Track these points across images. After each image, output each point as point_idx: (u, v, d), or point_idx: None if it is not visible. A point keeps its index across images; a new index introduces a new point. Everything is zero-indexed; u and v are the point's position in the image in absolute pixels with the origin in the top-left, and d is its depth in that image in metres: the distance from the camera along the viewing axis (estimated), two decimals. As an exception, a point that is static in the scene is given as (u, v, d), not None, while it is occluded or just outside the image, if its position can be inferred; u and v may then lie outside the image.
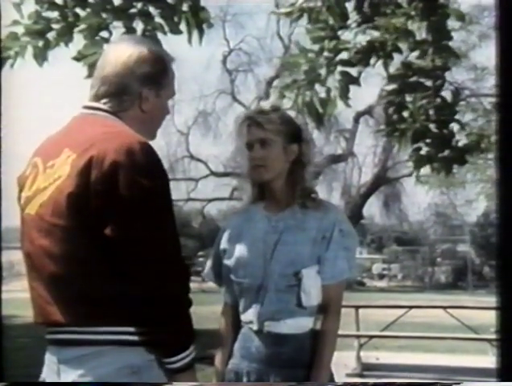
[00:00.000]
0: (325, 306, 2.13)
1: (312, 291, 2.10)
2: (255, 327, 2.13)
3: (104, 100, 1.80)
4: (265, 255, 2.14)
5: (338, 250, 2.13)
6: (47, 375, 1.73)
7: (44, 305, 1.70)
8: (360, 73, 4.37)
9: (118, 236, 1.61)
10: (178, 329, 1.67)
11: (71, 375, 1.65)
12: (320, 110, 4.29)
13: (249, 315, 2.15)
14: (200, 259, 30.35)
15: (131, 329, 1.64)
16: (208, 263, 2.33)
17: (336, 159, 25.56)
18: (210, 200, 27.10)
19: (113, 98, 1.80)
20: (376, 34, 4.29)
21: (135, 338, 1.65)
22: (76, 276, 1.65)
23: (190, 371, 1.70)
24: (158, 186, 1.67)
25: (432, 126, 4.69)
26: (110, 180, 1.61)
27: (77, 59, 3.75)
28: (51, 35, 3.83)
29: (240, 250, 2.19)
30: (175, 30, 3.84)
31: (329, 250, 2.12)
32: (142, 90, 1.82)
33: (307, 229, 2.14)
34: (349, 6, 4.32)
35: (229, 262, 2.21)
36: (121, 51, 1.85)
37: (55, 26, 3.83)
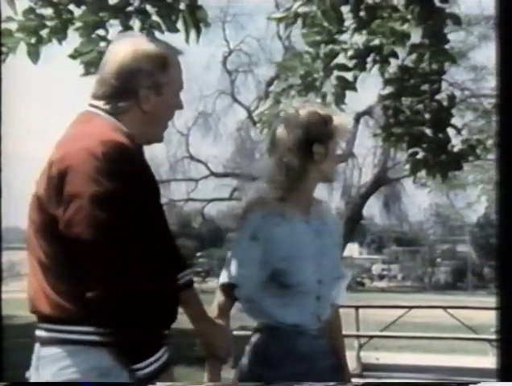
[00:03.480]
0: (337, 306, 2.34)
1: (343, 291, 2.30)
2: (308, 330, 2.17)
3: (103, 101, 1.79)
4: (316, 260, 2.17)
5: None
6: (31, 371, 1.75)
7: (31, 292, 1.74)
8: (356, 78, 4.37)
9: (70, 237, 1.61)
10: (139, 331, 1.61)
11: (46, 373, 1.68)
12: None
13: (296, 318, 2.15)
14: (200, 259, 30.33)
15: (101, 329, 1.62)
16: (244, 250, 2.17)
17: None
18: (210, 201, 27.07)
19: (111, 100, 1.78)
20: (372, 38, 4.28)
21: (104, 339, 1.62)
22: (49, 271, 1.68)
23: (163, 377, 1.64)
24: (113, 188, 1.62)
25: (428, 131, 4.70)
26: (64, 179, 1.63)
27: (73, 56, 3.74)
28: (45, 32, 3.81)
29: (292, 253, 2.15)
30: (173, 29, 3.83)
31: (340, 252, 2.33)
32: (140, 90, 1.78)
33: (333, 234, 2.26)
34: (345, 10, 4.32)
35: (280, 265, 2.13)
36: (117, 50, 1.82)
37: (49, 23, 3.81)
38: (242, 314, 2.24)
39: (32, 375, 1.73)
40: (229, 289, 2.15)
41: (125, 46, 1.82)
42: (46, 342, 1.69)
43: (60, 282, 1.66)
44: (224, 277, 2.15)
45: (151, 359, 1.61)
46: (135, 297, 1.60)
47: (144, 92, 1.79)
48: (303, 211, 2.20)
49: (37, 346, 1.73)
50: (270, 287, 2.14)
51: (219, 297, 2.17)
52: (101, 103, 1.79)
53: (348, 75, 4.34)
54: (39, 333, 1.72)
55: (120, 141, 1.69)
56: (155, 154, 21.56)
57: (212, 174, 25.90)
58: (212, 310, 2.14)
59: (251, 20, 56.52)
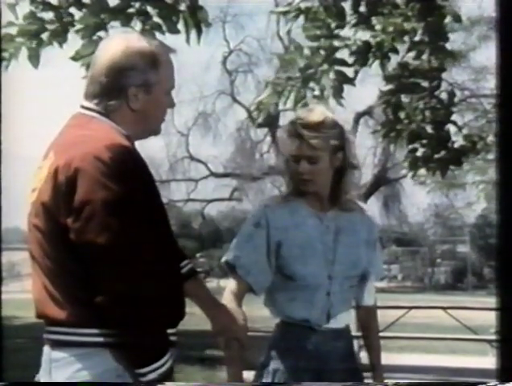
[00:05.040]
0: (373, 306, 2.36)
1: (373, 291, 2.31)
2: (316, 326, 2.16)
3: (95, 101, 1.78)
4: (325, 255, 2.16)
5: (379, 251, 2.34)
6: (41, 374, 1.74)
7: (37, 298, 1.73)
8: (356, 73, 4.37)
9: (82, 244, 1.61)
10: (143, 336, 1.62)
11: (59, 376, 1.66)
12: None
13: (304, 313, 2.16)
14: (200, 260, 30.30)
15: (113, 331, 1.62)
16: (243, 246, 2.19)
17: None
18: (210, 201, 27.04)
19: (101, 99, 1.77)
20: (373, 34, 4.29)
21: (116, 341, 1.62)
22: (57, 277, 1.67)
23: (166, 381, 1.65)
24: (122, 191, 1.63)
25: (428, 127, 4.70)
26: (72, 186, 1.62)
27: (75, 59, 3.74)
28: (45, 36, 3.81)
29: (297, 246, 2.16)
30: (173, 30, 3.82)
31: (376, 252, 2.30)
32: (129, 88, 1.76)
33: (358, 231, 2.24)
34: (346, 5, 4.32)
35: (284, 256, 2.16)
36: (108, 47, 1.80)
37: (49, 26, 3.80)
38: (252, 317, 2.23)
39: (43, 379, 1.71)
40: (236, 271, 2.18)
41: (115, 43, 1.80)
42: (57, 345, 1.68)
43: (70, 287, 1.65)
44: (225, 256, 2.20)
45: (157, 365, 1.62)
46: (148, 299, 1.60)
47: (133, 91, 1.76)
48: (319, 207, 2.21)
49: (47, 349, 1.72)
50: (278, 279, 2.17)
51: (231, 283, 2.18)
52: (92, 103, 1.78)
53: (348, 71, 4.34)
54: (49, 336, 1.71)
55: (124, 145, 1.69)
56: (155, 154, 21.55)
57: (212, 174, 25.89)
58: (224, 297, 2.14)
59: (251, 20, 56.56)
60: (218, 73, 25.55)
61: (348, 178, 2.21)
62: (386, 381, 2.40)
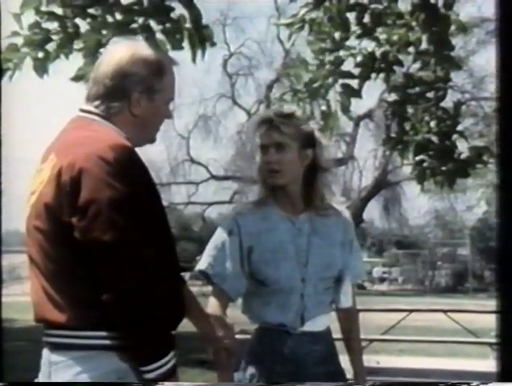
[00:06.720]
0: (352, 308, 2.31)
1: (350, 292, 2.25)
2: (292, 329, 2.15)
3: (96, 103, 1.80)
4: (298, 258, 2.15)
5: (358, 252, 2.30)
6: (40, 377, 1.74)
7: (36, 301, 1.73)
8: (361, 86, 4.37)
9: (87, 243, 1.62)
10: (150, 334, 1.63)
11: (59, 379, 1.67)
12: (321, 123, 4.30)
13: (280, 317, 2.15)
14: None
15: (115, 333, 1.63)
16: (214, 254, 2.21)
17: (336, 163, 25.56)
18: (210, 204, 27.08)
19: (104, 101, 1.79)
20: (377, 44, 4.28)
21: (118, 342, 1.64)
22: (57, 279, 1.67)
23: (171, 381, 1.66)
24: (127, 189, 1.64)
25: (435, 138, 4.68)
26: (77, 186, 1.63)
27: (77, 78, 3.73)
28: (50, 47, 3.81)
29: (269, 251, 2.15)
30: (177, 47, 3.82)
31: (353, 253, 2.26)
32: (132, 93, 1.79)
33: (332, 233, 2.21)
34: (351, 16, 4.32)
35: (255, 261, 2.16)
36: (115, 52, 1.83)
37: (54, 37, 3.81)
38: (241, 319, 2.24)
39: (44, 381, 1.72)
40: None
41: (123, 49, 1.83)
42: (57, 348, 1.69)
43: (71, 289, 1.66)
44: (199, 265, 2.22)
45: (162, 362, 1.64)
46: (152, 299, 1.61)
47: (136, 96, 1.79)
48: (291, 210, 2.21)
49: (46, 352, 1.73)
50: (252, 285, 2.17)
51: (212, 293, 2.20)
52: (93, 106, 1.80)
53: (353, 83, 4.34)
54: (48, 339, 1.72)
55: (127, 145, 1.71)
56: (156, 157, 21.59)
57: (213, 177, 25.93)
58: (209, 306, 2.15)
59: (251, 23, 56.80)
60: (218, 76, 25.72)
61: (319, 180, 2.21)
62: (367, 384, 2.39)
